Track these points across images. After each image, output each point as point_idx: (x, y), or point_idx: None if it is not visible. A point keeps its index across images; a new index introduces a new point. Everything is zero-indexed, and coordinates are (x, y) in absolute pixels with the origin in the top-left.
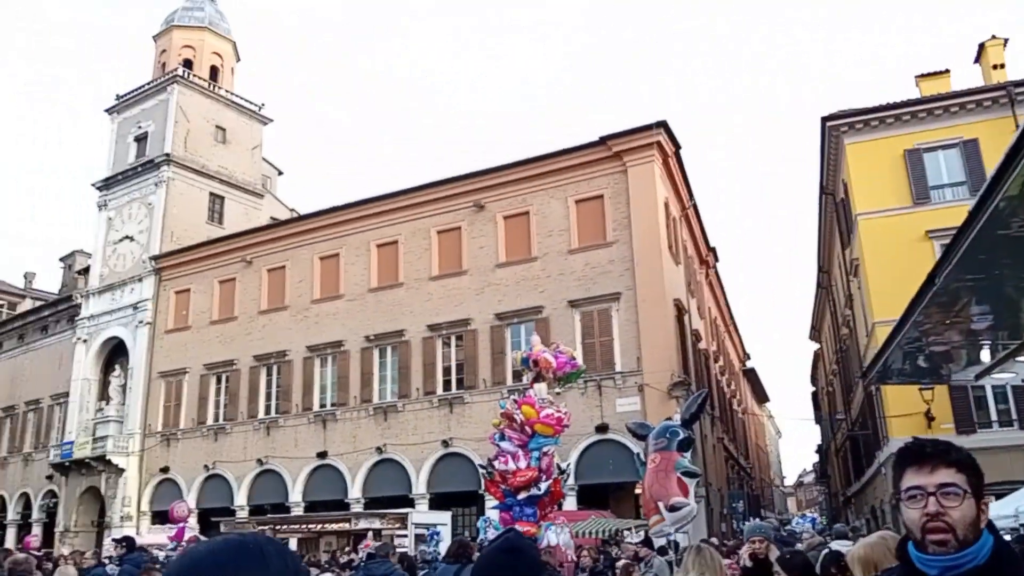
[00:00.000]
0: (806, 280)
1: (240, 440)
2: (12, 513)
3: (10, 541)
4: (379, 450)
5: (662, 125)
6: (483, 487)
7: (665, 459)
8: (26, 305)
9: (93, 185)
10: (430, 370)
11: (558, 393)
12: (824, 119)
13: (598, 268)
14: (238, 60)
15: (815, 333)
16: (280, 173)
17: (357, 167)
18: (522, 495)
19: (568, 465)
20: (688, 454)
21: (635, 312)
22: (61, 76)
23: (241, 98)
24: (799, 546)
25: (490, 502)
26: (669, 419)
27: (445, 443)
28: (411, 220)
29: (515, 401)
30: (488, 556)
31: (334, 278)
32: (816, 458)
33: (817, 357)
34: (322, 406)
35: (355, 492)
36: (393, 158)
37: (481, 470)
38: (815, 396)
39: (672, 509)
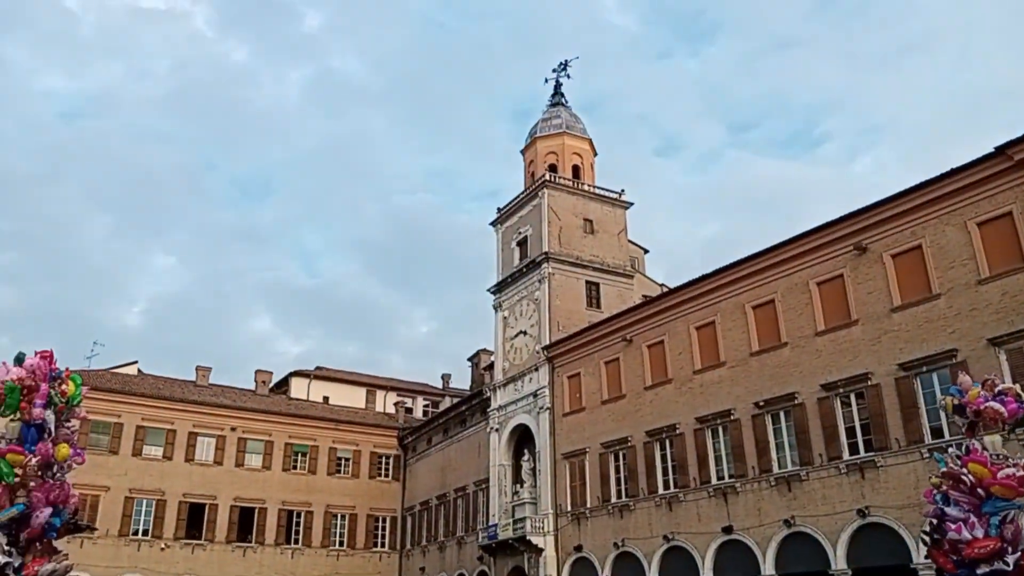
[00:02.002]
0: None
1: (644, 516)
2: None
3: None
4: (787, 523)
5: None
6: (920, 556)
7: None
8: (446, 403)
9: (488, 290)
10: (831, 433)
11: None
12: None
13: (1020, 296)
14: (595, 154)
15: None
16: (646, 252)
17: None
18: (982, 569)
19: None
20: None
21: None
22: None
23: (603, 189)
24: None
25: (926, 574)
26: None
27: (861, 512)
28: (785, 275)
29: (958, 457)
30: None
31: (712, 346)
32: None
33: None
34: (720, 478)
35: (768, 568)
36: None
37: (924, 536)
38: None
39: None
